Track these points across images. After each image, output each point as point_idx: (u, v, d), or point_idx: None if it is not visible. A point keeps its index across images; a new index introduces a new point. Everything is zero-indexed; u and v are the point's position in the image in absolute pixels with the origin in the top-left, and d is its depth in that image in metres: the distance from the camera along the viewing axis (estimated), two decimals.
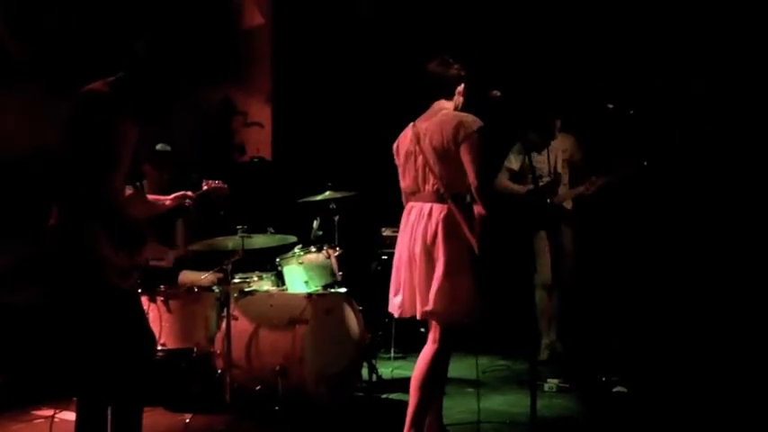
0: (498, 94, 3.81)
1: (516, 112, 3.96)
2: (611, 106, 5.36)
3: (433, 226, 3.74)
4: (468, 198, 3.77)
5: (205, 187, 4.13)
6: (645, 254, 6.56)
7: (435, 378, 3.83)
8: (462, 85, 3.95)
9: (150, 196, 3.87)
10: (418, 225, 3.80)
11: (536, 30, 6.99)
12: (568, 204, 6.28)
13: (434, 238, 3.72)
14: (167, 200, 3.92)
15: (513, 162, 6.29)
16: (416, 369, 3.83)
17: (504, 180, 6.30)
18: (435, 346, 3.82)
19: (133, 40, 3.52)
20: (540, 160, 6.12)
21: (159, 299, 5.17)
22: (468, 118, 3.76)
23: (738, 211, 6.20)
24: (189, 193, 4.00)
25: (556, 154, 6.21)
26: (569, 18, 6.85)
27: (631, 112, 5.38)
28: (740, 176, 6.19)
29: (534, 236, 6.23)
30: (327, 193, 5.76)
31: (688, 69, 6.36)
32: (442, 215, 3.74)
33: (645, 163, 5.76)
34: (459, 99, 3.97)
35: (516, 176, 6.28)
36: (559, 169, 6.19)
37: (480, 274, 3.69)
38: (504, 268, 3.81)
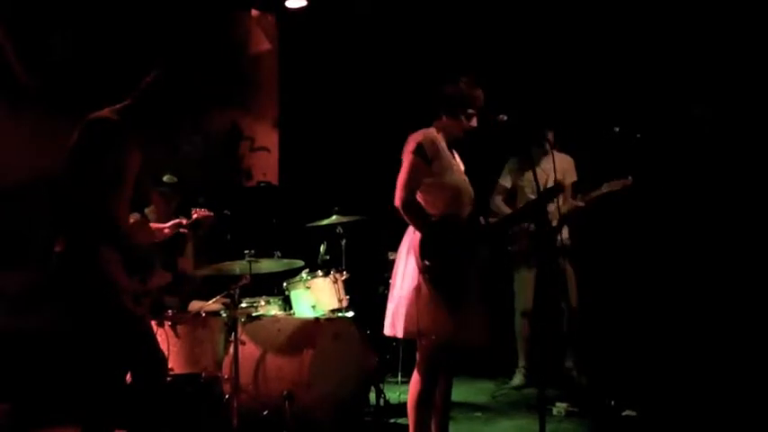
0: (505, 118, 3.82)
1: (516, 127, 3.95)
2: (617, 129, 5.36)
3: (409, 243, 3.82)
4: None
5: (195, 216, 4.36)
6: (649, 275, 6.53)
7: (422, 401, 3.81)
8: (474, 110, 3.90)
9: (153, 225, 3.94)
10: (405, 242, 3.88)
11: (539, 44, 7.00)
12: (564, 232, 6.14)
13: (408, 257, 3.79)
14: (165, 227, 4.02)
15: (507, 179, 6.27)
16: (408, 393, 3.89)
17: (497, 200, 6.26)
18: (416, 369, 3.87)
19: (145, 71, 3.55)
20: (528, 178, 6.01)
21: (167, 323, 5.16)
22: (415, 134, 3.83)
23: (742, 226, 6.18)
24: (183, 221, 4.13)
25: (547, 174, 5.87)
26: (575, 36, 6.86)
27: (638, 135, 5.37)
28: (744, 192, 6.18)
29: (517, 263, 6.23)
30: (334, 217, 5.77)
31: (692, 93, 6.36)
32: (415, 233, 3.80)
33: (630, 178, 5.74)
34: (465, 123, 3.90)
35: (511, 195, 6.26)
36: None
37: (438, 296, 3.65)
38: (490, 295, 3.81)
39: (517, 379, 6.29)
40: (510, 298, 6.33)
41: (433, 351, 3.77)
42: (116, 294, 3.31)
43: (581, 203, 5.98)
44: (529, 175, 6.01)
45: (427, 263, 3.66)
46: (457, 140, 3.98)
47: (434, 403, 3.90)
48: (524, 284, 6.24)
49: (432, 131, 3.90)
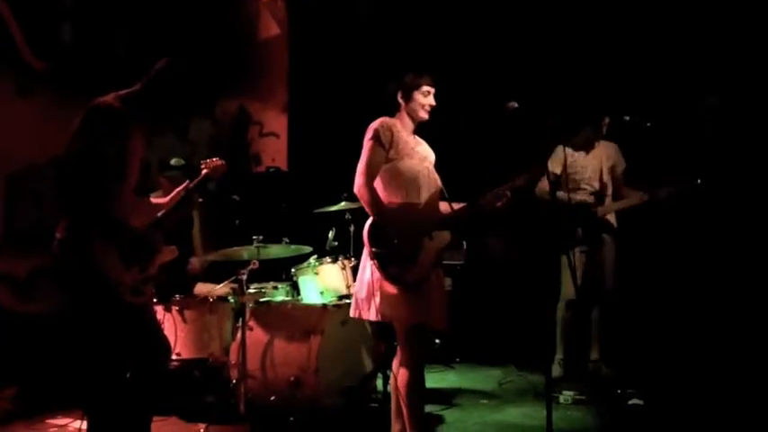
0: (515, 105, 3.80)
1: (559, 113, 3.95)
2: (627, 118, 5.31)
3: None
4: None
5: (204, 170, 3.98)
6: (665, 269, 6.49)
7: (415, 386, 3.86)
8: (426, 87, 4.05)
9: (153, 199, 3.85)
10: None
11: (548, 34, 6.97)
12: (612, 218, 5.97)
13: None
14: (170, 196, 3.90)
15: (555, 166, 5.88)
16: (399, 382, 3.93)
17: (542, 186, 5.99)
18: (396, 359, 3.96)
19: (155, 56, 3.53)
20: (583, 165, 5.91)
21: (174, 308, 5.18)
22: (373, 123, 3.99)
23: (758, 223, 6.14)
24: (189, 183, 3.92)
25: (600, 160, 5.93)
26: (585, 26, 6.83)
27: (648, 124, 5.32)
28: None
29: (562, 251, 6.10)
30: (343, 203, 5.76)
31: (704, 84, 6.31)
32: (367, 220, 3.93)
33: (698, 181, 5.53)
34: (422, 100, 4.05)
35: (558, 182, 6.10)
36: (605, 178, 5.93)
37: (388, 281, 3.74)
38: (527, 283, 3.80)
39: (555, 371, 6.02)
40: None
41: (406, 335, 3.85)
42: (110, 289, 3.28)
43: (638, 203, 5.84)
44: (581, 161, 5.96)
45: (374, 249, 3.77)
46: (422, 122, 4.09)
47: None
48: (569, 276, 5.98)
49: (390, 119, 4.04)
